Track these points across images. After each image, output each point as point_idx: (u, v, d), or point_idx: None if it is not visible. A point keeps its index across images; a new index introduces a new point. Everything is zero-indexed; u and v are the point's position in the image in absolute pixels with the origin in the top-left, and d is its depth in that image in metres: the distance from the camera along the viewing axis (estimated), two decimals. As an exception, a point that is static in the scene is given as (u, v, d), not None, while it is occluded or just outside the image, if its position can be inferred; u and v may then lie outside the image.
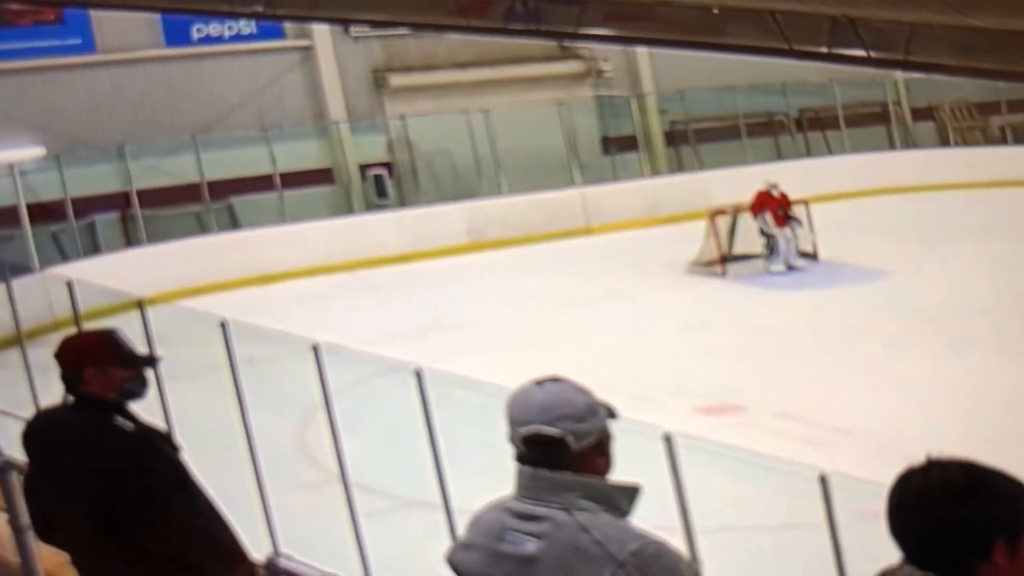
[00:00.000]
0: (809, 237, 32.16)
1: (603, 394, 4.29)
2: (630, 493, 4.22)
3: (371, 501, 11.38)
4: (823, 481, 7.83)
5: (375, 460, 12.31)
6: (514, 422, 4.21)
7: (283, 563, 3.91)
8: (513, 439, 4.22)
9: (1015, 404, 20.27)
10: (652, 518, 4.31)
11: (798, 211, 32.09)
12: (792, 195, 32.84)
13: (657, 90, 42.33)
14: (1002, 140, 45.32)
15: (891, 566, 3.34)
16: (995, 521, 3.24)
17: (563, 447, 4.13)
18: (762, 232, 32.11)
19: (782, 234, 31.82)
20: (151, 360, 6.48)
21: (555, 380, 4.26)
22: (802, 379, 22.55)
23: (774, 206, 31.77)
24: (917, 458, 3.35)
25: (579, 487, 4.14)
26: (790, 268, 31.58)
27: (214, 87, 36.51)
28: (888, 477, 3.36)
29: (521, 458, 4.22)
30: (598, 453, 4.22)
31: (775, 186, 31.96)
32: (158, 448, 6.03)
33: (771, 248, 31.89)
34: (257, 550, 5.36)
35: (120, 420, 5.96)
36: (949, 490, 3.25)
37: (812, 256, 32.09)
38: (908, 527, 3.29)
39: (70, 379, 6.06)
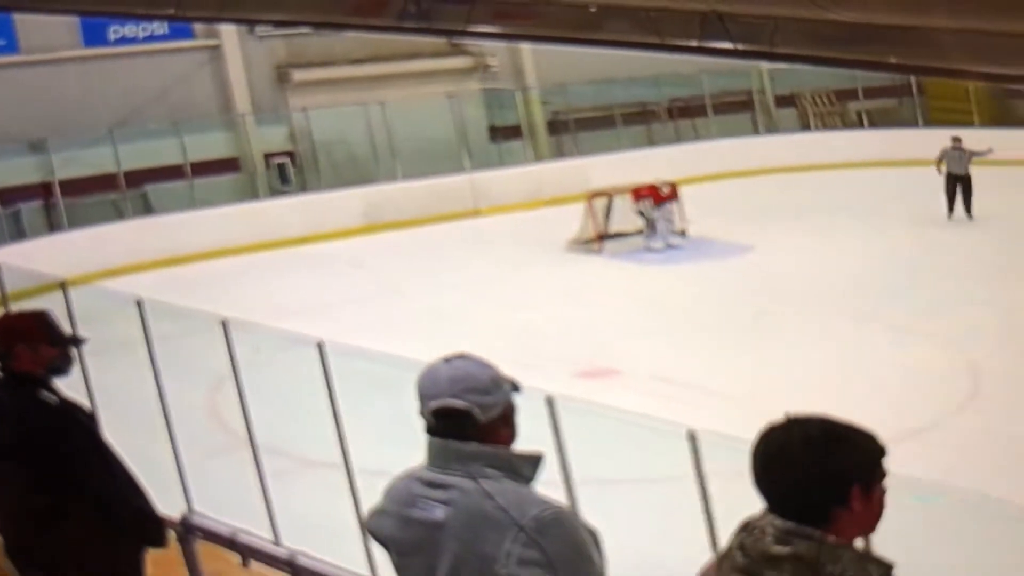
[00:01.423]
0: (682, 217, 32.32)
1: (487, 357, 4.33)
2: (533, 461, 4.28)
3: (277, 463, 11.38)
4: (692, 438, 7.91)
5: (281, 426, 12.30)
6: (424, 396, 4.24)
7: (196, 520, 3.94)
8: (423, 412, 4.25)
9: (868, 367, 20.56)
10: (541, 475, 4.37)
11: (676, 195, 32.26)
12: (662, 178, 33.01)
13: (540, 83, 42.26)
14: (859, 124, 45.63)
15: (754, 516, 3.38)
16: (852, 471, 3.29)
17: (470, 419, 4.17)
18: (642, 214, 32.25)
19: (660, 215, 31.96)
20: (77, 340, 6.53)
21: (462, 357, 4.30)
22: (674, 345, 22.66)
23: (656, 194, 31.90)
24: (778, 416, 3.39)
25: (484, 456, 4.18)
26: (668, 246, 31.72)
27: (129, 84, 36.15)
28: (752, 434, 3.39)
29: (431, 430, 4.25)
30: (503, 424, 4.25)
31: (666, 182, 32.14)
32: (78, 420, 6.09)
33: (650, 228, 32.02)
34: (173, 509, 5.39)
35: (45, 394, 6.01)
36: (810, 444, 3.28)
37: (683, 234, 32.25)
38: (772, 479, 3.31)
39: (1, 355, 6.10)
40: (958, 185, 33.47)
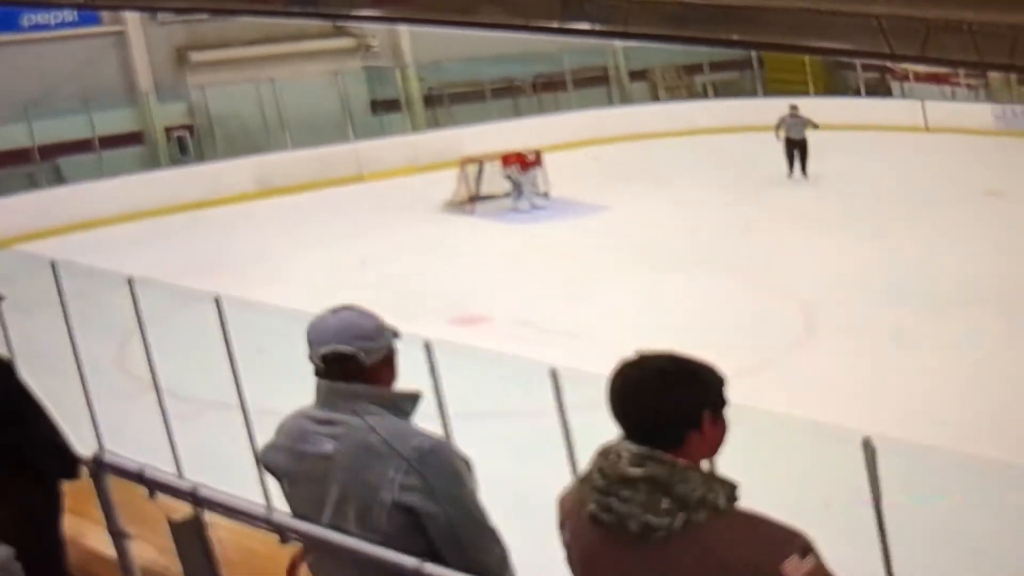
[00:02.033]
0: (544, 181, 32.42)
1: (371, 308, 4.35)
2: (412, 398, 4.31)
3: (180, 406, 11.32)
4: (553, 375, 7.95)
5: (183, 373, 12.22)
6: (313, 343, 4.25)
7: (107, 458, 3.89)
8: (313, 358, 4.26)
9: (710, 309, 20.75)
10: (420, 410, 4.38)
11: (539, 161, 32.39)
12: (527, 146, 33.13)
13: (416, 61, 42.19)
14: (704, 95, 45.91)
15: (611, 442, 3.37)
16: (701, 398, 3.31)
17: (356, 362, 4.18)
18: (510, 178, 32.30)
19: (526, 179, 32.03)
20: None
21: (348, 308, 4.32)
22: (538, 294, 22.76)
23: (522, 160, 31.96)
24: (629, 353, 3.39)
25: (368, 395, 4.20)
26: (533, 207, 31.78)
27: (42, 66, 35.68)
28: (607, 370, 3.39)
29: (319, 373, 4.26)
30: (385, 367, 4.28)
31: (531, 151, 32.20)
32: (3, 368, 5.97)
33: (517, 191, 32.07)
34: (86, 448, 5.32)
35: None
36: (663, 376, 3.29)
37: (546, 196, 32.34)
38: (628, 409, 3.31)
39: None
40: (795, 149, 33.95)
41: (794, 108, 34.57)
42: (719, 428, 3.36)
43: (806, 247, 25.49)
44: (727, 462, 3.62)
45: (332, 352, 4.21)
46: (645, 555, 3.25)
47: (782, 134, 34.25)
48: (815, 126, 34.05)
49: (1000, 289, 21.42)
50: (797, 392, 16.37)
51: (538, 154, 32.10)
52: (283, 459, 4.33)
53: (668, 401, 3.30)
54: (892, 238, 25.65)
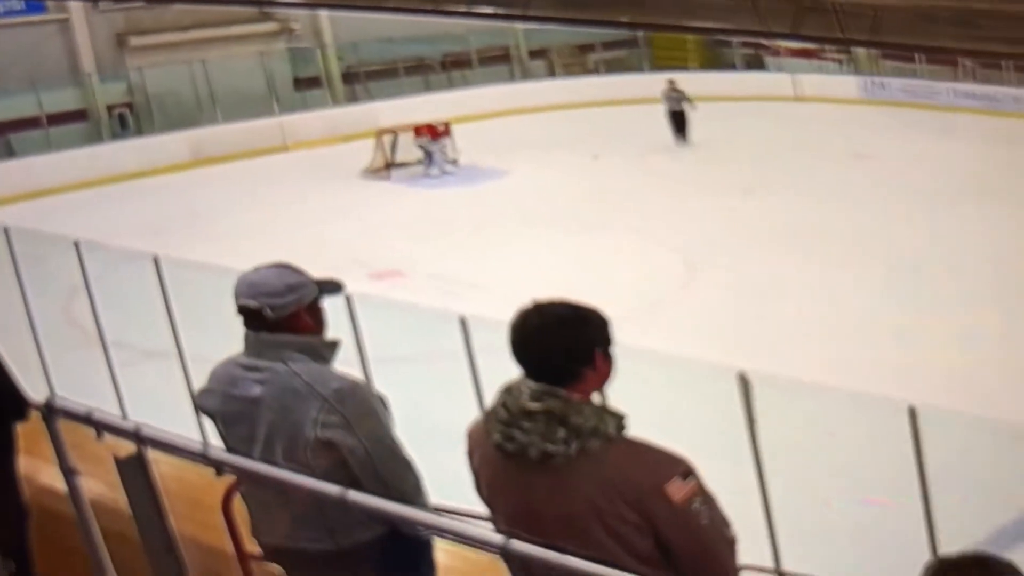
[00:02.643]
0: (453, 149, 32.38)
1: (297, 266, 4.37)
2: (331, 346, 4.34)
3: (123, 355, 11.23)
4: (462, 322, 7.98)
5: (126, 326, 12.13)
6: (236, 297, 4.28)
7: (58, 402, 3.86)
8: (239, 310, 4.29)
9: (599, 264, 20.86)
10: (341, 355, 4.39)
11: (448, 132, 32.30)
12: (438, 118, 33.10)
13: (335, 42, 42.02)
14: (596, 71, 45.99)
15: (512, 380, 3.41)
16: (594, 339, 3.35)
17: (261, 316, 4.20)
18: (422, 148, 32.23)
19: (436, 148, 31.95)
20: None
21: (276, 265, 4.35)
22: (448, 252, 22.82)
23: (432, 131, 31.86)
24: (527, 302, 3.43)
25: (292, 344, 4.22)
26: (443, 173, 31.73)
27: (-6, 51, 35.36)
28: (508, 317, 3.42)
29: (248, 324, 4.27)
30: (308, 316, 4.28)
31: (441, 121, 32.08)
32: None
33: (429, 159, 31.97)
34: (37, 394, 5.28)
35: None
36: (560, 321, 3.33)
37: (455, 163, 32.30)
38: (530, 351, 3.34)
39: None
40: (675, 119, 34.27)
41: (672, 83, 34.99)
42: (607, 365, 3.40)
43: (687, 206, 25.67)
44: (615, 396, 3.65)
45: (242, 306, 4.26)
46: (544, 479, 3.28)
47: (666, 106, 34.47)
48: (689, 100, 34.42)
49: (865, 239, 21.79)
50: (678, 334, 16.52)
51: (447, 125, 32.08)
52: (216, 402, 4.36)
53: (564, 342, 3.33)
54: (767, 196, 25.91)
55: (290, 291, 4.26)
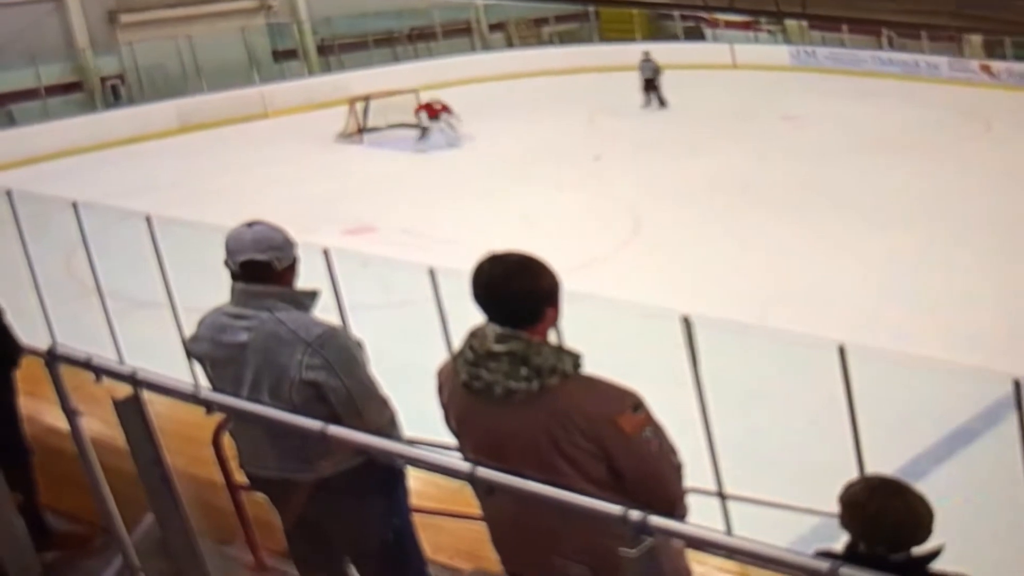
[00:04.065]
0: (456, 124, 31.60)
1: (277, 223, 4.35)
2: (312, 295, 4.34)
3: (119, 305, 11.23)
4: (431, 272, 7.99)
5: (122, 279, 12.08)
6: (232, 252, 4.25)
7: (60, 350, 3.84)
8: (230, 264, 4.26)
9: (556, 214, 20.92)
10: (320, 305, 4.39)
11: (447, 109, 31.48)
12: (402, 87, 32.95)
13: (311, 17, 41.89)
14: (550, 43, 45.89)
15: (478, 324, 3.41)
16: (549, 285, 3.36)
17: (270, 268, 4.20)
18: (419, 125, 31.45)
19: (436, 125, 31.16)
20: None
21: (259, 222, 4.32)
22: (418, 207, 22.81)
23: (431, 109, 31.27)
24: (486, 252, 3.43)
25: (276, 294, 4.23)
26: (451, 146, 30.71)
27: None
28: (470, 267, 3.42)
29: (235, 277, 4.26)
30: (291, 271, 4.29)
31: (439, 100, 31.47)
32: None
33: (423, 134, 31.09)
34: (40, 342, 5.24)
35: None
36: (521, 269, 3.34)
37: (457, 137, 31.07)
38: (493, 298, 3.34)
39: None
40: (648, 86, 34.78)
41: (646, 54, 35.36)
42: (558, 308, 3.40)
43: (636, 165, 25.73)
44: (572, 337, 3.66)
45: (249, 260, 4.22)
46: (508, 413, 3.30)
47: (640, 75, 34.93)
48: (660, 70, 34.77)
49: (793, 188, 22.01)
50: (630, 280, 16.59)
51: (445, 105, 31.31)
52: (205, 348, 4.35)
53: (524, 288, 3.34)
54: (704, 155, 26.02)
55: (289, 245, 4.30)
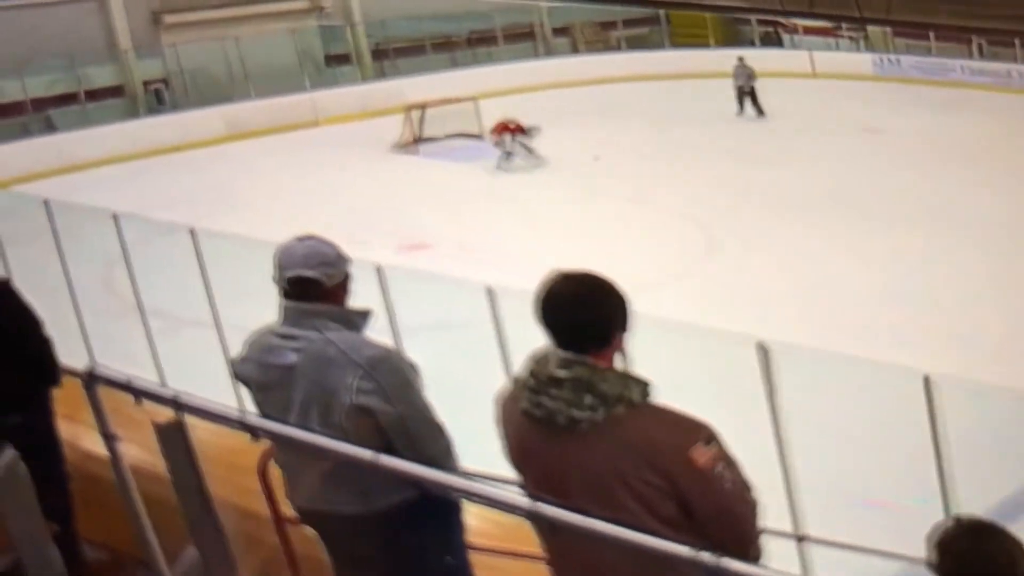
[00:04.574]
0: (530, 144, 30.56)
1: (329, 238, 4.35)
2: (364, 315, 4.33)
3: (161, 324, 11.29)
4: (489, 292, 7.98)
5: (163, 295, 12.18)
6: (281, 268, 4.26)
7: (98, 370, 3.87)
8: (279, 280, 4.27)
9: (625, 236, 20.81)
10: (372, 324, 4.38)
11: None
12: (461, 95, 32.98)
13: (364, 20, 42.07)
14: (618, 48, 45.89)
15: (540, 348, 3.40)
16: (617, 309, 3.35)
17: (319, 285, 4.20)
18: (499, 145, 30.78)
19: (514, 144, 30.73)
20: None
21: (310, 237, 4.34)
22: (477, 222, 22.82)
23: (511, 129, 30.83)
24: (552, 271, 3.41)
25: (327, 313, 4.22)
26: (535, 167, 30.52)
27: (35, 29, 35.27)
28: (532, 286, 3.41)
29: (285, 294, 4.27)
30: (342, 288, 4.29)
31: (513, 120, 31.05)
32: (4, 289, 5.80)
33: (506, 155, 30.55)
34: (77, 361, 5.29)
35: None
36: (588, 290, 3.34)
37: (537, 157, 29.89)
38: (558, 320, 3.33)
39: None
40: (743, 93, 34.81)
41: (741, 59, 35.35)
42: (626, 333, 3.39)
43: (708, 178, 25.63)
44: (640, 363, 3.64)
45: (298, 276, 4.22)
46: (571, 444, 3.28)
47: (735, 81, 34.96)
48: (754, 75, 34.78)
49: (875, 205, 21.80)
50: (698, 304, 16.49)
51: (519, 125, 30.79)
52: (252, 370, 4.35)
53: (590, 311, 3.33)
54: (780, 168, 25.88)
55: (341, 261, 4.31)
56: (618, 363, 3.39)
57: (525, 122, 29.89)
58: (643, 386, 3.32)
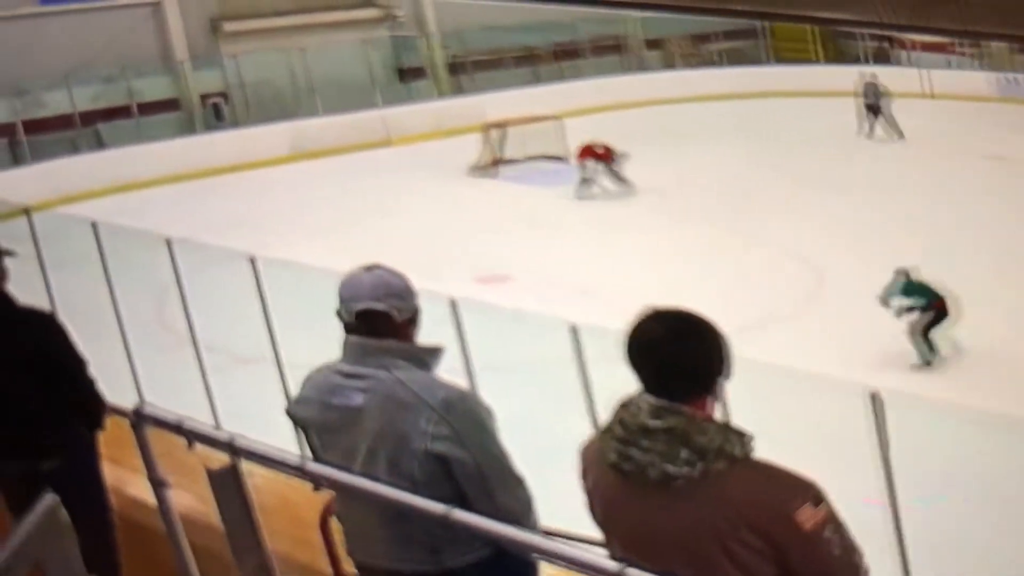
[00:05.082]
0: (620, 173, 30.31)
1: (401, 269, 4.35)
2: (435, 352, 4.30)
3: (215, 359, 11.36)
4: (573, 330, 7.96)
5: (219, 329, 12.27)
6: (347, 300, 4.25)
7: (147, 410, 3.89)
8: (344, 314, 4.26)
9: (724, 271, 20.68)
10: (444, 362, 4.37)
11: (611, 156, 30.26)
12: (545, 113, 33.02)
13: (440, 30, 42.28)
14: (716, 63, 45.82)
15: (630, 394, 3.36)
16: (716, 352, 3.31)
17: (389, 319, 4.19)
18: (582, 172, 30.67)
19: (600, 171, 30.55)
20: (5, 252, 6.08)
21: (378, 267, 4.32)
22: (561, 253, 22.79)
23: (596, 155, 30.65)
24: (645, 309, 3.37)
25: (395, 350, 4.20)
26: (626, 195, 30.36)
27: (82, 36, 35.77)
28: (620, 325, 3.39)
29: (349, 329, 4.25)
30: (412, 323, 4.28)
31: (601, 144, 30.84)
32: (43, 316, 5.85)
33: (589, 182, 30.49)
34: (125, 400, 5.33)
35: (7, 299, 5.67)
36: (686, 331, 3.30)
37: (626, 184, 29.84)
38: (650, 363, 3.30)
39: None
40: (872, 112, 34.91)
41: (872, 76, 35.41)
42: (726, 379, 3.35)
43: (816, 207, 25.43)
44: (741, 413, 3.61)
45: (366, 309, 4.21)
46: (664, 502, 3.25)
47: (861, 99, 34.96)
48: (885, 94, 34.87)
49: (996, 244, 21.44)
50: (807, 344, 16.36)
51: (608, 149, 30.64)
52: (313, 411, 4.34)
53: (688, 355, 3.30)
54: (893, 198, 25.61)
55: (411, 293, 4.30)
56: (716, 412, 3.36)
57: (613, 145, 29.78)
58: (744, 439, 3.28)
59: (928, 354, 16.50)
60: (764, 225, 24.29)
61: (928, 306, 16.85)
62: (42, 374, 5.48)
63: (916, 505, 7.05)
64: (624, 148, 29.45)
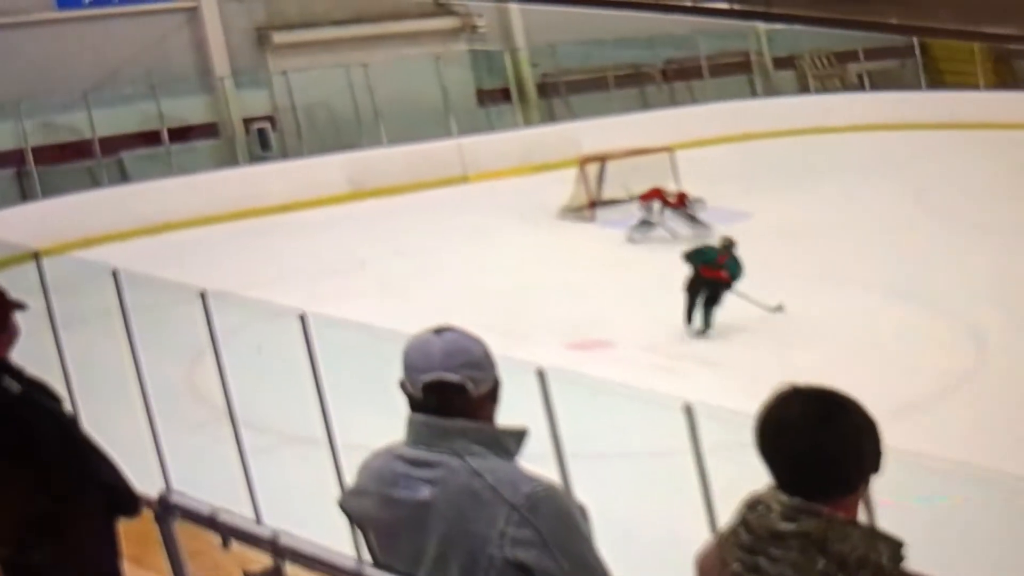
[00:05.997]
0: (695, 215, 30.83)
1: (479, 332, 4.29)
2: (518, 436, 4.25)
3: (259, 438, 11.43)
4: (688, 411, 7.91)
5: (263, 400, 12.35)
6: (414, 369, 4.18)
7: (175, 498, 3.90)
8: (409, 386, 4.20)
9: (868, 336, 20.59)
10: (528, 447, 4.33)
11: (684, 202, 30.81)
12: (658, 142, 33.00)
13: (529, 44, 42.35)
14: (859, 86, 45.74)
15: (759, 492, 3.38)
16: (865, 442, 3.32)
17: (463, 393, 4.13)
18: (645, 214, 30.92)
19: (662, 217, 30.56)
20: (17, 305, 6.14)
21: (451, 329, 4.25)
22: (666, 316, 22.74)
23: (668, 202, 30.67)
24: (778, 387, 3.37)
25: (470, 433, 4.15)
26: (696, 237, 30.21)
27: (104, 47, 36.14)
28: (749, 406, 3.38)
29: (415, 405, 4.20)
30: (491, 399, 4.23)
31: (672, 193, 30.77)
32: (41, 405, 5.87)
33: (646, 225, 30.61)
34: (150, 487, 5.36)
35: (7, 381, 5.73)
36: (830, 416, 3.30)
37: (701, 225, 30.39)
38: (784, 453, 3.31)
39: None
40: None
41: None
42: (876, 474, 3.36)
43: (985, 258, 25.23)
44: (886, 514, 3.59)
45: (437, 380, 4.14)
46: (799, 624, 3.23)
47: None
48: None
49: None
50: (967, 430, 16.23)
51: (682, 196, 30.65)
52: (370, 506, 4.30)
53: (832, 444, 3.29)
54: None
55: (490, 363, 4.24)
56: (861, 515, 3.34)
57: (688, 192, 30.25)
58: (895, 546, 3.28)
59: None
60: (922, 282, 24.13)
61: None
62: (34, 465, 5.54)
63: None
64: (741, 182, 29.48)
